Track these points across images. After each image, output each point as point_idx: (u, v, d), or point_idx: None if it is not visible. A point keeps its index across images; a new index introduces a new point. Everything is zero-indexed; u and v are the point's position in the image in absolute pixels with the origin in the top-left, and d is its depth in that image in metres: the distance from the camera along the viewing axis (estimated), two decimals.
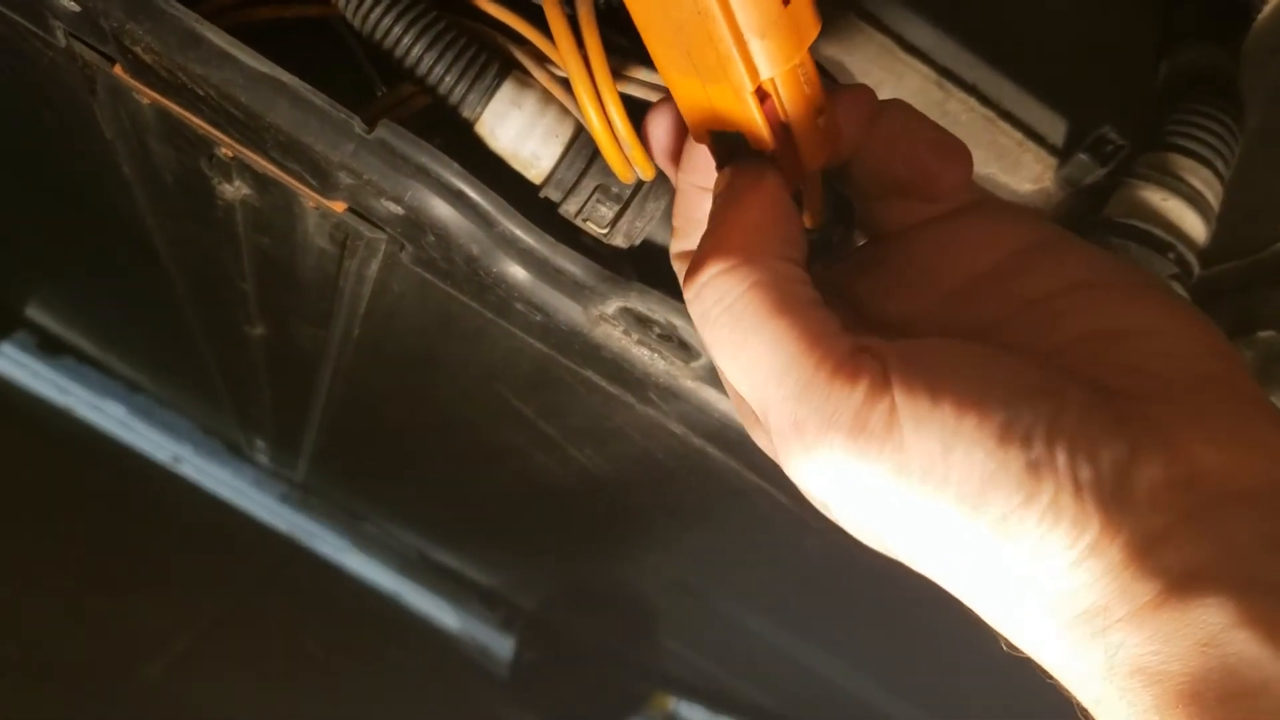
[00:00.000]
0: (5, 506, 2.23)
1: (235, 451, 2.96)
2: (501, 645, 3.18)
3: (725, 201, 0.45)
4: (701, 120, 0.46)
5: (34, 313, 2.61)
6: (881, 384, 0.37)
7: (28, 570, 2.18)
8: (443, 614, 3.22)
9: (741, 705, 2.46)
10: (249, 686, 2.40)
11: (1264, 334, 0.60)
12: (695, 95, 0.45)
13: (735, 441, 0.70)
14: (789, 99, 0.43)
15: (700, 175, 0.49)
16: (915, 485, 0.36)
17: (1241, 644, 0.32)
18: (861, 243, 0.53)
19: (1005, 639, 0.40)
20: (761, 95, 0.42)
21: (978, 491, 0.35)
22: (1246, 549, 0.33)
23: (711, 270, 0.42)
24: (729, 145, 0.46)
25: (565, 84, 0.60)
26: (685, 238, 0.53)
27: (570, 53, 0.55)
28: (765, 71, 0.41)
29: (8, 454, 2.46)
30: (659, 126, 0.51)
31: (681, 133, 0.50)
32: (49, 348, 2.77)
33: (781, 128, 0.44)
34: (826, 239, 0.55)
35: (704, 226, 0.46)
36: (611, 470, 0.98)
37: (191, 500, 2.97)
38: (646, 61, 0.56)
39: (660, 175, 0.60)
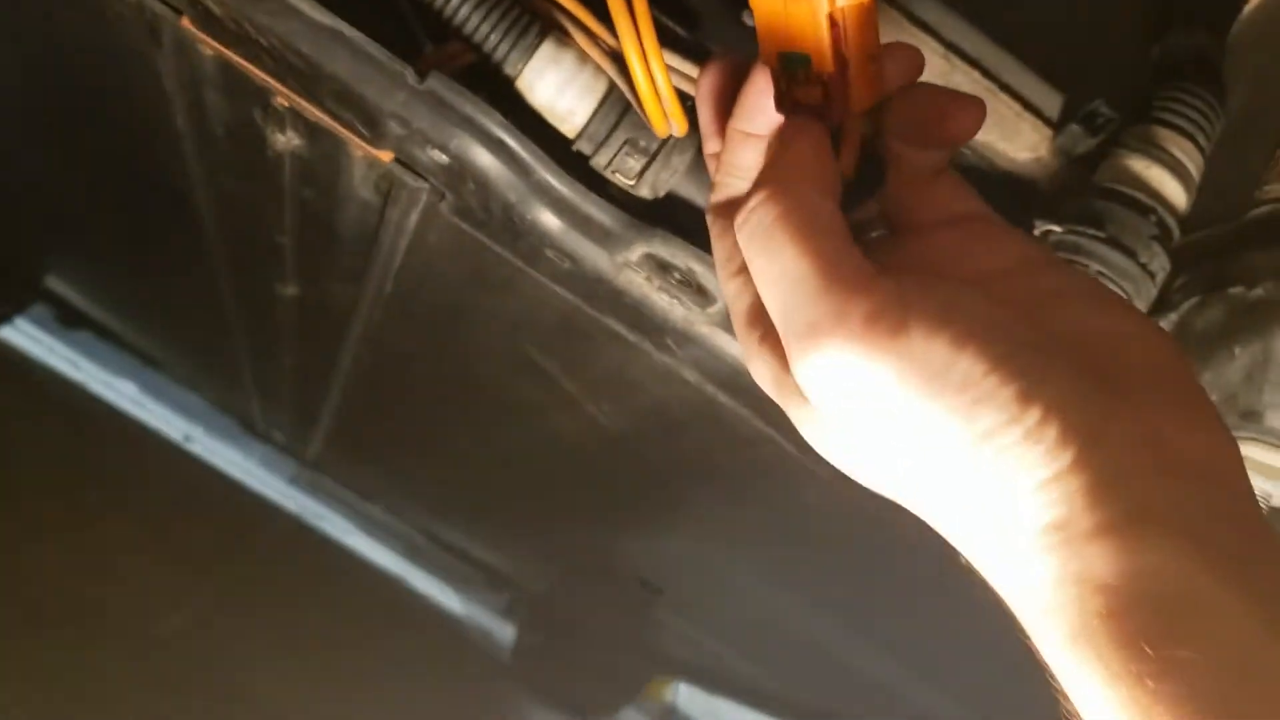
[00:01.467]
0: (26, 473, 2.27)
1: (248, 429, 3.01)
2: (504, 629, 3.23)
3: (778, 144, 0.53)
4: (775, 39, 0.52)
5: (54, 284, 2.64)
6: (895, 300, 0.43)
7: (50, 528, 2.23)
8: (446, 597, 3.27)
9: (741, 686, 2.51)
10: (254, 653, 2.45)
11: (1234, 290, 0.65)
12: (775, 13, 0.51)
13: (744, 387, 0.75)
14: (854, 33, 0.49)
15: (750, 121, 0.55)
16: (913, 389, 0.41)
17: (1175, 576, 0.36)
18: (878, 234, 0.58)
19: (964, 557, 0.45)
20: (832, 23, 0.48)
21: (970, 404, 0.40)
22: (1192, 508, 0.38)
23: (758, 197, 0.48)
24: (791, 71, 0.52)
25: (599, 45, 0.66)
26: (726, 189, 0.57)
27: (621, 13, 0.60)
28: None
29: (26, 425, 2.51)
30: (713, 77, 0.58)
31: (733, 85, 0.56)
32: (67, 321, 2.80)
33: (841, 59, 0.50)
34: (851, 193, 0.60)
35: (746, 175, 0.54)
36: (626, 426, 1.03)
37: (202, 478, 3.02)
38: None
39: (685, 133, 0.65)
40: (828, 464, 0.78)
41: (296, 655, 2.56)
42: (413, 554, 3.22)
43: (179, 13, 0.68)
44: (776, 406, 0.73)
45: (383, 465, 2.44)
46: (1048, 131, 0.72)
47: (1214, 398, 0.66)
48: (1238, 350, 0.64)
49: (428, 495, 2.53)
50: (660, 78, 0.61)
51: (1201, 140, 0.70)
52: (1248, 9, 0.77)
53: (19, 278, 2.60)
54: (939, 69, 0.70)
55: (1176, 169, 0.69)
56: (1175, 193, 0.69)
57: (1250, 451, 0.66)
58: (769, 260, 0.47)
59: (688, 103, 0.63)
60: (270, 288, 1.23)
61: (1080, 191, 0.70)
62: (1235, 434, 0.66)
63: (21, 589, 2.02)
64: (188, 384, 2.95)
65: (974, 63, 0.71)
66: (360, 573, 3.19)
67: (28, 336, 2.82)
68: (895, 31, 0.70)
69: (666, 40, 0.64)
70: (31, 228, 2.01)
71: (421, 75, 0.63)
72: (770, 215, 0.47)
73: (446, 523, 2.86)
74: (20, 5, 0.89)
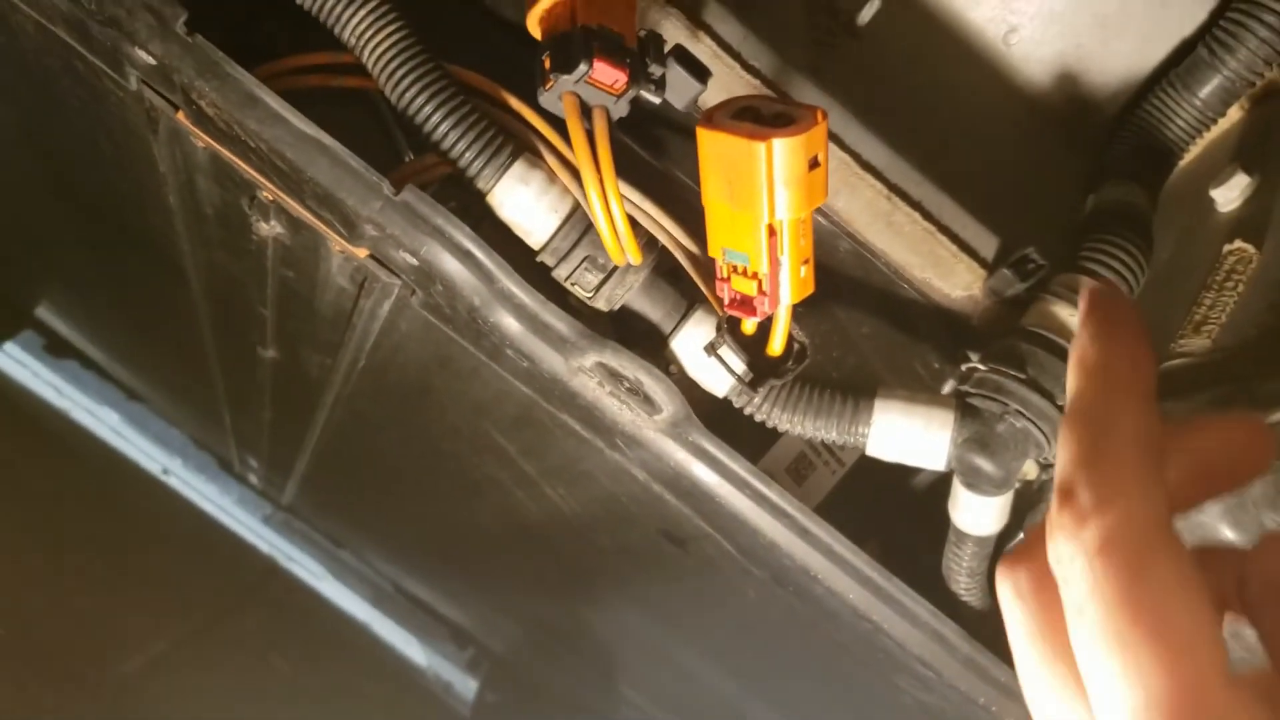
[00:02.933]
0: (1, 498, 2.29)
1: (225, 468, 3.02)
2: (466, 684, 3.23)
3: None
4: (720, 237, 0.61)
5: (44, 314, 2.67)
6: None
7: (18, 559, 2.24)
8: (411, 649, 3.27)
9: None
10: (218, 695, 2.46)
11: None
12: (723, 217, 0.60)
13: (687, 490, 0.79)
14: (789, 242, 0.57)
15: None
16: None
17: None
18: None
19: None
20: (770, 232, 0.55)
21: None
22: None
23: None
24: (733, 264, 0.61)
25: (568, 167, 0.70)
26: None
27: (586, 162, 0.65)
28: (780, 213, 0.57)
29: (6, 449, 2.52)
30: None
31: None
32: (54, 350, 2.82)
33: (775, 262, 0.56)
34: (779, 366, 0.68)
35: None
36: (581, 510, 1.07)
37: (177, 512, 3.03)
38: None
39: (640, 263, 0.71)
40: (765, 566, 0.82)
41: (258, 698, 2.57)
42: (380, 602, 3.23)
43: (175, 107, 0.72)
44: (718, 508, 0.77)
45: (353, 517, 2.47)
46: (981, 273, 0.77)
47: None
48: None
49: (396, 549, 2.56)
50: (619, 217, 0.66)
51: (1125, 290, 0.75)
52: (1180, 166, 0.82)
53: (11, 306, 2.63)
54: (881, 209, 0.75)
55: None
56: None
57: None
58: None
59: (644, 235, 0.69)
60: (251, 348, 1.27)
61: (1008, 332, 0.75)
62: None
63: None
64: (169, 419, 2.97)
65: (916, 205, 0.76)
66: (328, 617, 3.20)
67: (15, 361, 2.84)
68: (844, 172, 0.75)
69: (630, 168, 0.69)
70: (26, 260, 2.04)
71: (397, 186, 0.67)
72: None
73: (414, 577, 2.88)
74: (25, 71, 0.93)
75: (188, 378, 2.00)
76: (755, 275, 0.60)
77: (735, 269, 0.61)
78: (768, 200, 0.56)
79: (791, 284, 0.60)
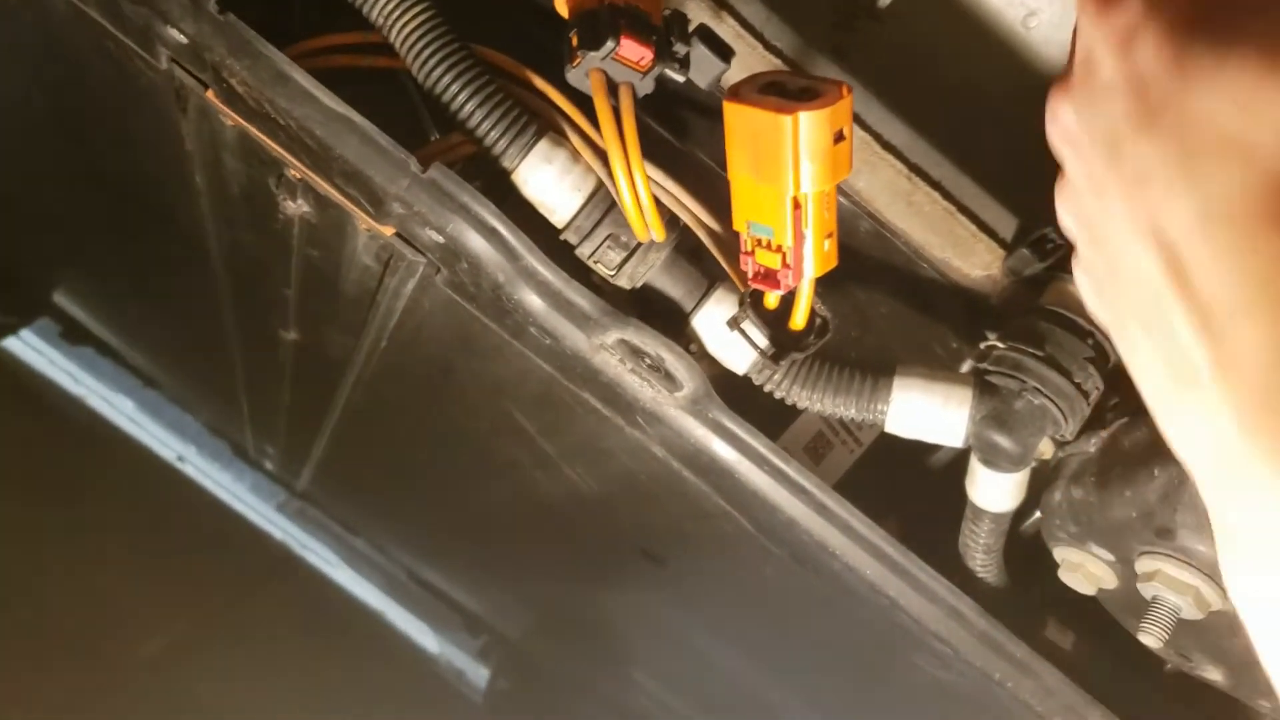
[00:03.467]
0: (21, 484, 2.31)
1: (240, 455, 3.04)
2: (478, 671, 3.25)
3: None
4: (745, 210, 0.62)
5: (61, 300, 2.69)
6: None
7: (37, 543, 2.26)
8: (424, 636, 3.29)
9: None
10: (232, 680, 2.47)
11: None
12: (748, 190, 0.61)
13: (706, 466, 0.80)
14: (813, 215, 0.59)
15: None
16: None
17: None
18: None
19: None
20: (795, 205, 0.56)
21: None
22: None
23: None
24: (757, 237, 0.62)
25: (592, 146, 0.71)
26: None
27: (612, 137, 0.66)
28: (805, 187, 0.57)
29: (24, 436, 2.54)
30: None
31: None
32: (71, 337, 2.83)
33: (799, 235, 0.57)
34: (801, 340, 0.68)
35: None
36: (600, 489, 1.08)
37: (192, 499, 3.04)
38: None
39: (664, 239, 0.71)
40: (783, 543, 0.83)
41: (272, 683, 2.58)
42: (394, 590, 3.25)
43: (205, 86, 0.73)
44: (737, 485, 0.78)
45: (368, 503, 2.48)
46: (1000, 252, 0.78)
47: (1133, 514, 0.70)
48: (1157, 471, 0.69)
49: (411, 536, 2.57)
50: (643, 192, 0.67)
51: None
52: None
53: (28, 292, 2.65)
54: (902, 188, 0.76)
55: None
56: None
57: (1163, 567, 0.70)
58: None
59: (667, 214, 0.70)
60: (273, 330, 1.28)
61: (1026, 310, 0.75)
62: (1150, 550, 0.71)
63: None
64: (184, 405, 2.98)
65: (936, 184, 0.76)
66: (341, 605, 3.22)
67: (31, 349, 2.85)
68: (864, 152, 0.75)
69: (654, 149, 0.70)
70: (44, 245, 2.06)
71: (424, 164, 0.68)
72: None
73: (428, 564, 2.90)
74: (54, 51, 0.94)
75: (206, 363, 2.01)
76: (779, 249, 0.61)
77: (759, 242, 0.62)
78: (793, 173, 0.57)
79: (815, 257, 0.60)
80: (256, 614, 2.86)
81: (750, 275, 0.65)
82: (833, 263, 0.62)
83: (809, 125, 0.55)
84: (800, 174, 0.57)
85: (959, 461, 0.84)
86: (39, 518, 2.32)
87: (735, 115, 0.58)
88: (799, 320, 0.68)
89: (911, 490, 0.91)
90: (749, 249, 0.63)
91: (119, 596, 2.42)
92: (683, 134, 0.82)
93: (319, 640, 2.96)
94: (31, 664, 2.03)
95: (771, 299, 0.68)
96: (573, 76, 0.66)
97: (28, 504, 2.28)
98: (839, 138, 0.56)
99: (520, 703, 3.04)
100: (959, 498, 0.84)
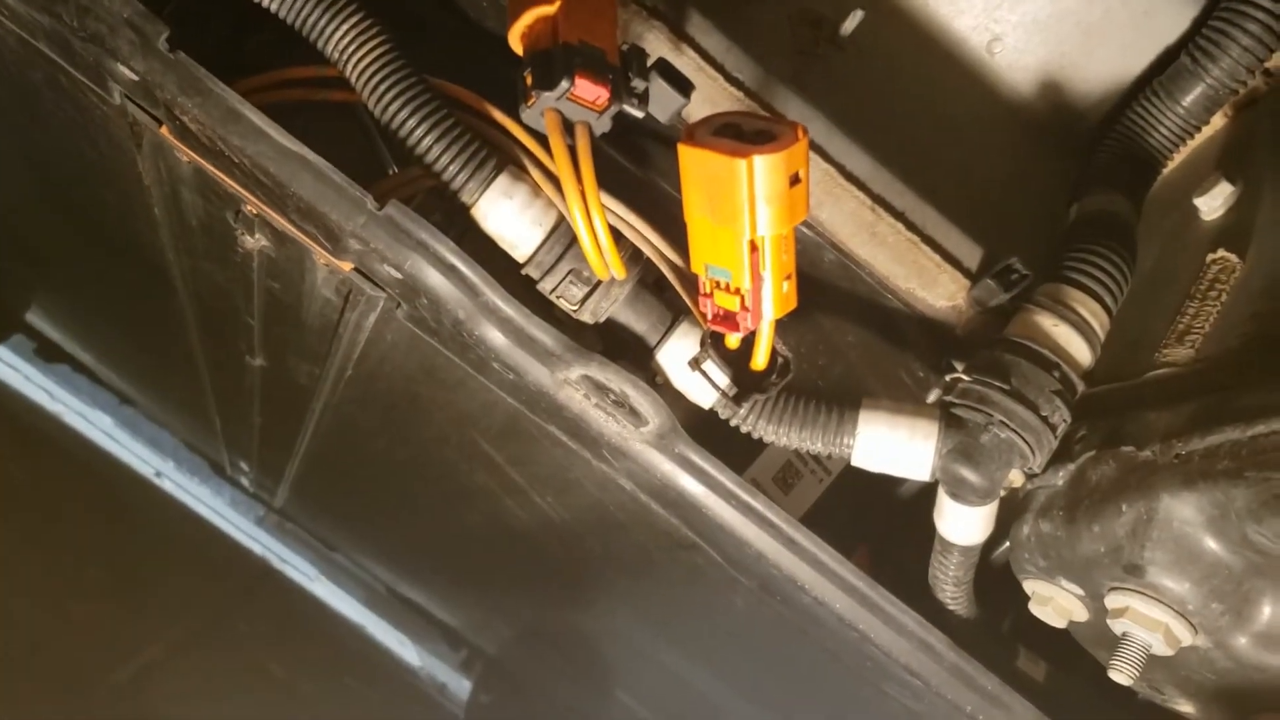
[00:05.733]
0: None
1: (217, 471, 3.02)
2: (459, 685, 3.23)
3: None
4: (703, 253, 0.61)
5: (35, 319, 2.66)
6: None
7: (12, 562, 2.24)
8: (405, 650, 3.27)
9: None
10: (212, 698, 2.46)
11: (1125, 449, 0.70)
12: (705, 232, 0.60)
13: (674, 500, 0.79)
14: (770, 258, 0.58)
15: None
16: None
17: None
18: None
19: None
20: (752, 248, 0.55)
21: None
22: None
23: None
24: (715, 280, 0.62)
25: (553, 181, 0.70)
26: None
27: (568, 178, 0.65)
28: (761, 230, 0.57)
29: (0, 452, 2.52)
30: None
31: None
32: (46, 354, 2.82)
33: (757, 278, 0.56)
34: (762, 380, 0.68)
35: None
36: (570, 518, 1.07)
37: (170, 515, 3.02)
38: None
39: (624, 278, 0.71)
40: (753, 575, 0.83)
41: (254, 696, 2.57)
42: (374, 604, 3.23)
43: (159, 122, 0.72)
44: (705, 518, 0.77)
45: (346, 520, 2.46)
46: (965, 283, 0.77)
47: (1101, 549, 0.70)
48: (1124, 506, 0.68)
49: (388, 552, 2.55)
50: (602, 233, 0.66)
51: (1108, 301, 0.75)
52: (1164, 174, 0.82)
53: (1, 310, 2.63)
54: (865, 219, 0.75)
55: (1082, 328, 0.73)
56: (1080, 350, 0.73)
57: (1132, 603, 0.70)
58: None
59: (629, 248, 0.69)
60: (240, 356, 1.27)
61: (992, 342, 0.75)
62: (1119, 585, 0.70)
63: None
64: (161, 423, 2.96)
65: (899, 215, 0.76)
66: (321, 618, 3.20)
67: (6, 365, 2.83)
68: (827, 184, 0.75)
69: (615, 179, 0.69)
70: (16, 266, 2.04)
71: (380, 201, 0.67)
72: None
73: (407, 579, 2.88)
74: (9, 83, 0.93)
75: (178, 383, 2.00)
76: (738, 291, 0.60)
77: (718, 284, 0.61)
78: (749, 217, 0.56)
79: (774, 299, 0.60)
80: (237, 628, 2.84)
81: (709, 317, 0.64)
82: (792, 304, 0.61)
83: (764, 169, 0.54)
84: (756, 217, 0.56)
85: (929, 490, 0.83)
86: (15, 534, 2.29)
87: (690, 158, 0.57)
88: (760, 361, 0.68)
89: (881, 521, 0.90)
90: (707, 291, 0.62)
91: (97, 621, 2.40)
92: (644, 163, 0.81)
93: (300, 653, 2.94)
94: (6, 684, 2.01)
95: (733, 338, 0.68)
96: (528, 116, 0.65)
97: (3, 520, 2.26)
98: (795, 180, 0.56)
99: (501, 717, 3.02)
100: (929, 526, 0.84)
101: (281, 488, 2.28)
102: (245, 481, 2.80)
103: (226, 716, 2.46)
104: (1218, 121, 0.84)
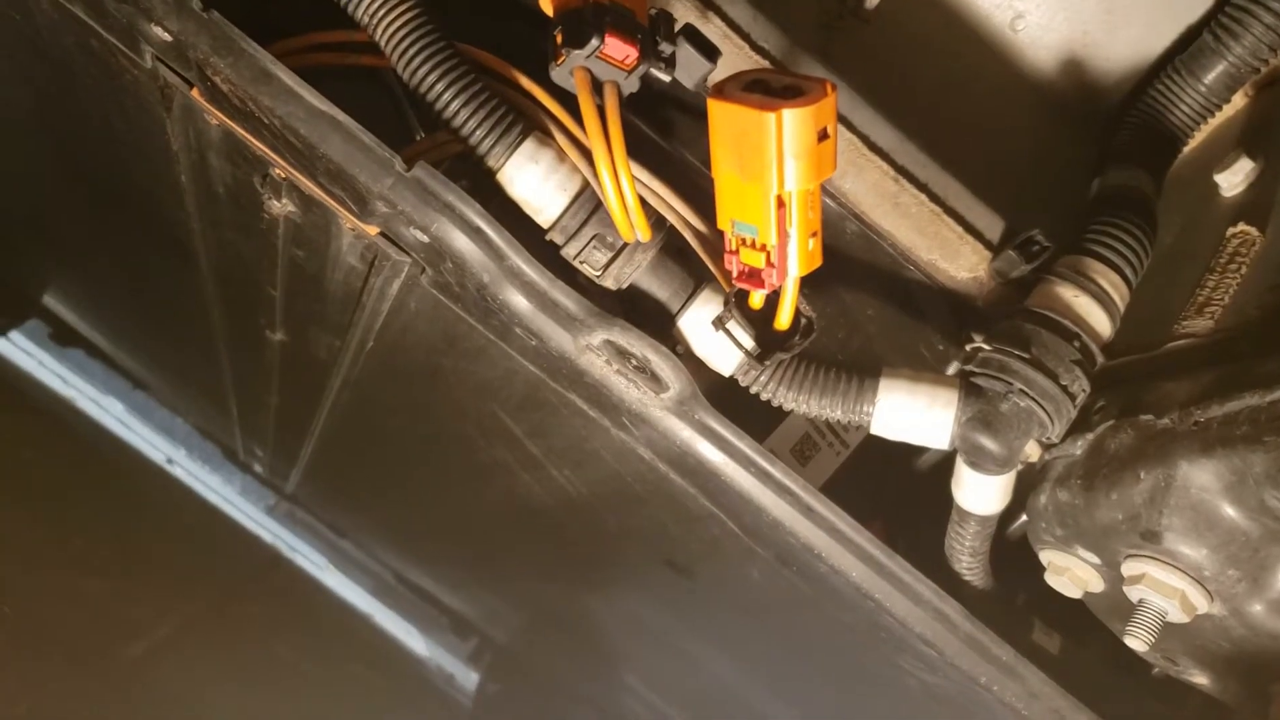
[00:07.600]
0: (9, 485, 2.30)
1: (230, 458, 3.03)
2: (467, 675, 3.24)
3: None
4: (730, 208, 0.62)
5: (51, 301, 2.68)
6: None
7: (25, 544, 2.25)
8: (413, 640, 3.28)
9: None
10: (220, 679, 2.46)
11: (1144, 417, 0.70)
12: (732, 189, 0.61)
13: (692, 468, 0.79)
14: (798, 214, 0.59)
15: None
16: None
17: None
18: None
19: None
20: (779, 203, 0.56)
21: None
22: None
23: None
24: (742, 236, 0.62)
25: (578, 146, 0.71)
26: None
27: (596, 136, 0.65)
28: (789, 185, 0.57)
29: (13, 437, 2.53)
30: None
31: None
32: (60, 339, 2.83)
33: (783, 234, 0.57)
34: (786, 340, 0.68)
35: None
36: (587, 492, 1.07)
37: (181, 501, 3.03)
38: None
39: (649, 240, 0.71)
40: (769, 545, 0.83)
41: (261, 686, 2.57)
42: (382, 593, 3.24)
43: (190, 84, 0.73)
44: (723, 486, 0.78)
45: (357, 505, 2.47)
46: (987, 254, 0.78)
47: (1119, 517, 0.70)
48: (1142, 474, 0.68)
49: (399, 538, 2.56)
50: (629, 192, 0.66)
51: (1129, 273, 0.75)
52: (1185, 151, 0.83)
53: (18, 294, 2.64)
54: (888, 190, 0.76)
55: (1103, 299, 0.74)
56: (1100, 321, 0.74)
57: (1149, 570, 0.70)
58: None
59: (653, 214, 0.69)
60: (259, 331, 1.28)
61: (1013, 312, 0.75)
62: (1136, 553, 0.71)
63: None
64: (174, 408, 2.98)
65: (922, 187, 0.76)
66: (330, 607, 3.21)
67: (21, 350, 2.84)
68: (852, 154, 0.75)
69: (640, 149, 0.70)
70: (34, 248, 2.05)
71: (409, 163, 0.68)
72: None
73: (416, 566, 2.89)
74: (39, 50, 0.94)
75: (195, 364, 2.01)
76: (764, 247, 0.60)
77: (744, 241, 0.61)
78: (777, 171, 0.56)
79: (799, 256, 0.60)
80: (245, 617, 2.85)
81: (735, 274, 0.65)
82: (817, 262, 0.61)
83: (793, 123, 0.55)
84: (784, 172, 0.56)
85: (946, 464, 0.84)
86: (27, 519, 2.31)
87: (719, 112, 0.58)
88: (784, 320, 0.68)
89: (897, 494, 0.90)
90: (733, 248, 0.63)
91: (107, 598, 2.41)
92: (669, 134, 0.82)
93: (308, 643, 2.95)
94: (18, 665, 2.02)
95: (756, 299, 0.68)
96: (557, 74, 0.66)
97: (16, 505, 2.27)
98: (823, 136, 0.56)
99: (510, 706, 3.03)
100: (946, 500, 0.84)
101: (294, 472, 2.29)
102: (258, 466, 2.81)
103: (234, 694, 2.47)
104: (1239, 100, 0.84)
